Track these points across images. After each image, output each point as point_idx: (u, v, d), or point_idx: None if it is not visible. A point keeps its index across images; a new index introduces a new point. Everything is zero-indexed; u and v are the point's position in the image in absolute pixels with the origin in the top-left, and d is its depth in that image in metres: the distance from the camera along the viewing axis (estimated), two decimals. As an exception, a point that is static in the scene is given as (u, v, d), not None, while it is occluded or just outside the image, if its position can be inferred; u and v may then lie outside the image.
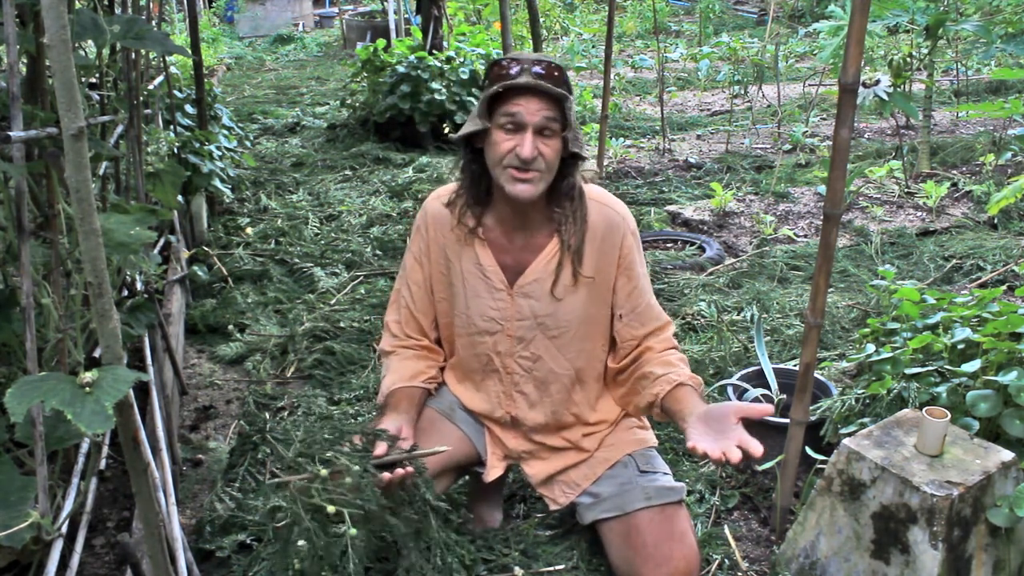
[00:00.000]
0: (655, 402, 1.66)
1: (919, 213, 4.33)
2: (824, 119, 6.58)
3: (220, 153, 3.91)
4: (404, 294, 1.85)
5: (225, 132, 4.42)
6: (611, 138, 5.66)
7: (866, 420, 2.00)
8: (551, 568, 1.91)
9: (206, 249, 3.84)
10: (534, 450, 1.84)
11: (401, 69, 5.73)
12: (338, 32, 12.22)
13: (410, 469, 1.54)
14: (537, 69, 1.57)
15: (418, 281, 1.83)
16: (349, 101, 6.28)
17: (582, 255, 1.69)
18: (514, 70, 1.57)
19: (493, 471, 1.84)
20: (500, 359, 1.78)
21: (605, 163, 5.25)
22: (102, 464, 1.92)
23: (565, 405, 1.80)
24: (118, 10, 2.37)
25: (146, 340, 2.20)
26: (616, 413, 1.86)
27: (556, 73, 1.58)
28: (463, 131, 1.64)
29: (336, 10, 13.74)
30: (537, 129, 1.57)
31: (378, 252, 3.92)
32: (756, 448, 1.40)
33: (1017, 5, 5.48)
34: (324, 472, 1.48)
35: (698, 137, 6.36)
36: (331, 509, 1.46)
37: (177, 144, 3.37)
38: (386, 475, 1.51)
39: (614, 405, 1.86)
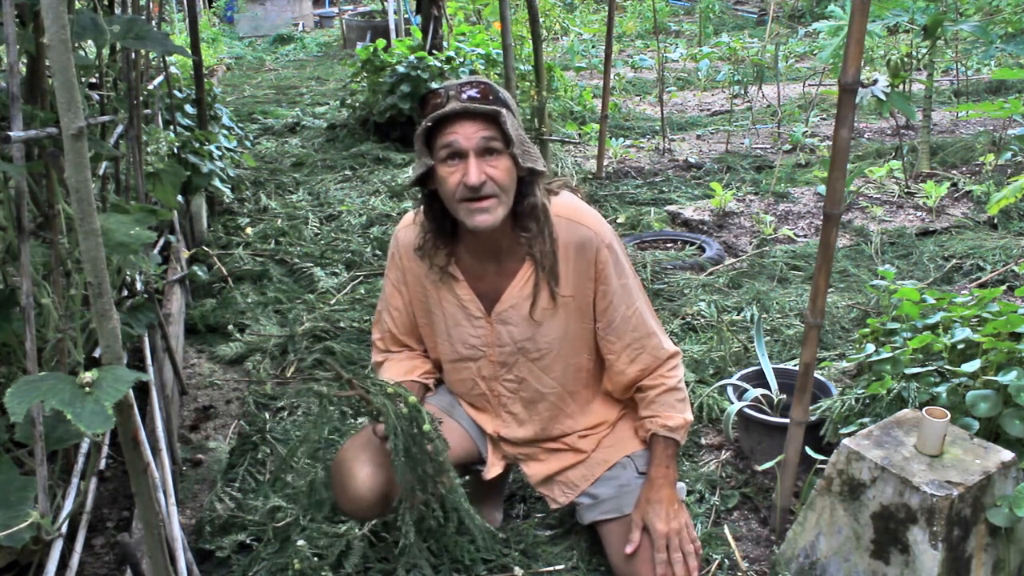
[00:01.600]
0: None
1: (919, 213, 4.33)
2: (824, 119, 6.57)
3: (220, 153, 3.91)
4: (385, 318, 1.86)
5: (225, 132, 4.42)
6: (611, 138, 5.66)
7: (866, 420, 2.00)
8: (551, 568, 1.91)
9: (206, 249, 3.84)
10: (531, 452, 1.85)
11: (401, 69, 5.73)
12: (338, 32, 12.21)
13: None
14: (467, 93, 1.52)
15: (399, 307, 1.83)
16: (349, 101, 6.28)
17: (557, 274, 1.65)
18: (442, 99, 1.52)
19: (493, 469, 1.85)
20: (486, 383, 1.79)
21: (605, 163, 5.25)
22: (102, 464, 1.92)
23: (555, 420, 1.80)
24: (118, 10, 2.37)
25: (146, 340, 2.20)
26: (615, 412, 1.86)
27: (488, 92, 1.53)
28: (412, 176, 1.59)
29: (336, 10, 13.73)
30: (479, 152, 1.51)
31: (378, 252, 3.92)
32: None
33: (1017, 5, 5.48)
34: (413, 399, 1.57)
35: (698, 137, 6.36)
36: (412, 400, 1.57)
37: (177, 144, 3.37)
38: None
39: (612, 405, 1.86)
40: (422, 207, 1.68)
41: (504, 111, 1.52)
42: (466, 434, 1.84)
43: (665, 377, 1.73)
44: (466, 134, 1.50)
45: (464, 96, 1.51)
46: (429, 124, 1.52)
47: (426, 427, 1.53)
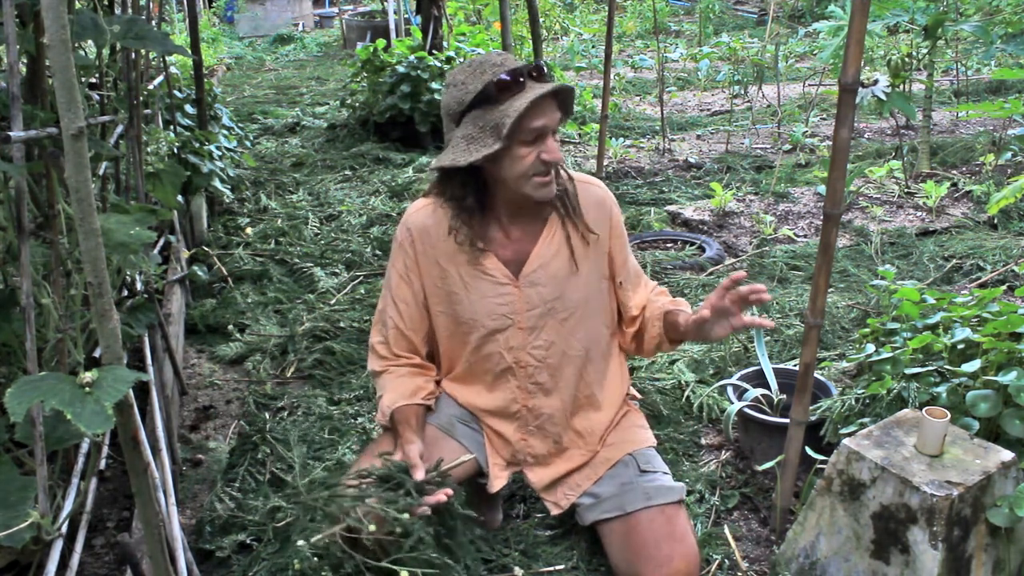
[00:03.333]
0: (661, 340, 1.80)
1: (919, 213, 4.33)
2: (824, 119, 6.57)
3: (220, 153, 3.91)
4: (390, 313, 1.80)
5: (225, 132, 4.42)
6: (611, 138, 5.66)
7: (866, 420, 2.00)
8: (551, 568, 1.91)
9: (206, 249, 3.84)
10: (540, 456, 1.83)
11: (401, 69, 5.73)
12: (338, 32, 12.22)
13: (448, 491, 1.55)
14: (536, 71, 1.61)
15: (406, 299, 1.79)
16: (349, 101, 6.28)
17: (581, 215, 1.75)
18: (518, 79, 1.57)
19: (497, 481, 1.83)
20: (513, 354, 1.77)
21: (605, 163, 5.25)
22: (102, 464, 1.92)
23: (578, 387, 1.81)
24: (118, 10, 2.37)
25: (146, 340, 2.21)
26: (618, 401, 1.85)
27: (544, 70, 1.62)
28: (474, 158, 1.58)
29: (336, 10, 13.73)
30: (555, 131, 1.62)
31: (378, 252, 3.92)
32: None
33: (1017, 5, 5.48)
34: (372, 527, 1.48)
35: (698, 137, 6.36)
36: (405, 575, 1.46)
37: (177, 144, 3.37)
38: (429, 499, 1.53)
39: (617, 387, 1.86)
40: (453, 189, 1.70)
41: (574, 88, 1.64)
42: (465, 452, 1.83)
43: (656, 288, 1.88)
44: (550, 116, 1.60)
45: (536, 74, 1.60)
46: (528, 107, 1.55)
47: None
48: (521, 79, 1.58)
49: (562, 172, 1.74)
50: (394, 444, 1.70)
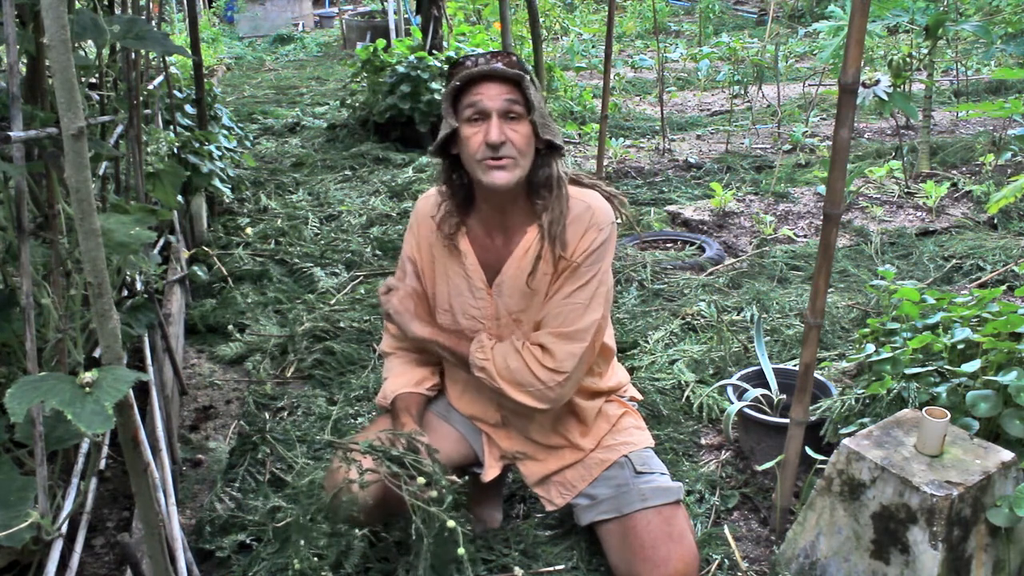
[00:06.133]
0: None
1: (919, 213, 4.33)
2: (824, 119, 6.57)
3: (220, 153, 3.91)
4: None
5: (225, 132, 4.42)
6: (611, 138, 5.66)
7: (866, 420, 2.00)
8: (551, 568, 1.91)
9: (206, 249, 3.84)
10: (529, 451, 1.84)
11: (401, 69, 5.73)
12: (338, 32, 12.22)
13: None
14: (493, 60, 1.60)
15: (411, 281, 1.83)
16: (349, 101, 6.27)
17: (565, 241, 1.65)
18: (470, 63, 1.60)
19: (491, 471, 1.84)
20: None
21: (605, 163, 5.24)
22: (102, 464, 1.92)
23: None
24: (118, 10, 2.37)
25: (146, 340, 2.20)
26: (598, 405, 1.83)
27: (511, 59, 1.61)
28: (438, 139, 1.65)
29: (336, 10, 13.73)
30: (501, 113, 1.58)
31: (378, 252, 3.92)
32: None
33: (1017, 5, 5.48)
34: (421, 481, 1.53)
35: (698, 137, 6.36)
36: (451, 524, 1.49)
37: (177, 144, 3.37)
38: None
39: (597, 396, 1.84)
40: (444, 176, 1.73)
41: (527, 77, 1.60)
42: (462, 438, 1.84)
43: (536, 356, 1.66)
44: (490, 95, 1.58)
45: (492, 62, 1.59)
46: (458, 84, 1.59)
47: (460, 551, 1.50)
48: (471, 62, 1.60)
49: (565, 194, 1.66)
50: (391, 428, 1.72)
